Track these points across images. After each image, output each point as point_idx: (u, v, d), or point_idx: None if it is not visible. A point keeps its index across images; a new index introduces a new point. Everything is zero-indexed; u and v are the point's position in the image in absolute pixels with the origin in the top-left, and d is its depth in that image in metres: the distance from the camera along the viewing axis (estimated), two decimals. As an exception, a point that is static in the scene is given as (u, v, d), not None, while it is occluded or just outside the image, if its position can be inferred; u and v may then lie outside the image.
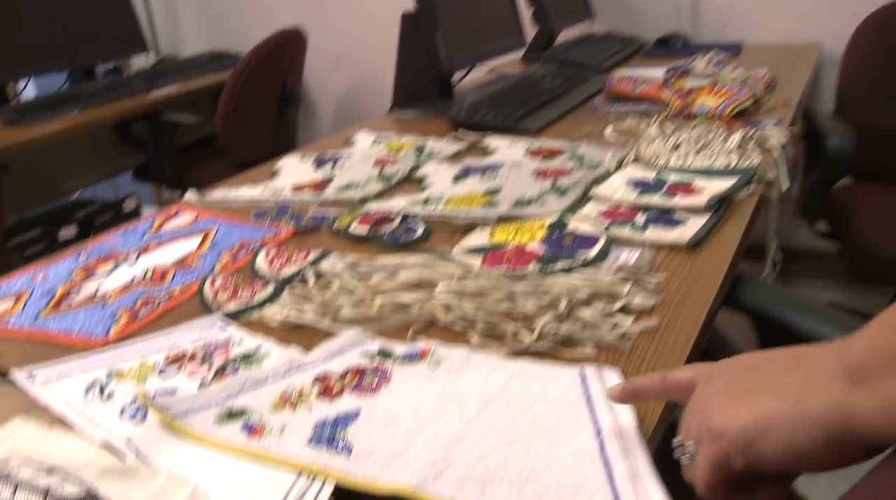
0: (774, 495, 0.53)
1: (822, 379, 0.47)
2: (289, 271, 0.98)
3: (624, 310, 0.82)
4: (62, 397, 0.75)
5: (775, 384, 0.50)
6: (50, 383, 0.78)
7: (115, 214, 2.68)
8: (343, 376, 0.74)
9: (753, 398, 0.50)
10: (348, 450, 0.63)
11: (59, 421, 0.72)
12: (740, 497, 0.53)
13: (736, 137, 1.38)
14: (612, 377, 0.69)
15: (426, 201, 1.22)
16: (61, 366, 0.81)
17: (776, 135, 1.40)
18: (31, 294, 1.02)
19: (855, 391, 0.45)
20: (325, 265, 0.98)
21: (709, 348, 1.11)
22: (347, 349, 0.79)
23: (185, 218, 1.27)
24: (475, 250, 1.00)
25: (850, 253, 2.22)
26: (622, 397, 0.63)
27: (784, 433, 0.47)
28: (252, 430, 0.66)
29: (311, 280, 0.95)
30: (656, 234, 1.00)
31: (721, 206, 1.08)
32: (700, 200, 1.07)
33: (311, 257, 1.00)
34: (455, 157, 1.48)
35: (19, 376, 0.79)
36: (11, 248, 2.26)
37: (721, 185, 1.13)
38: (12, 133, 2.31)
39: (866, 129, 2.08)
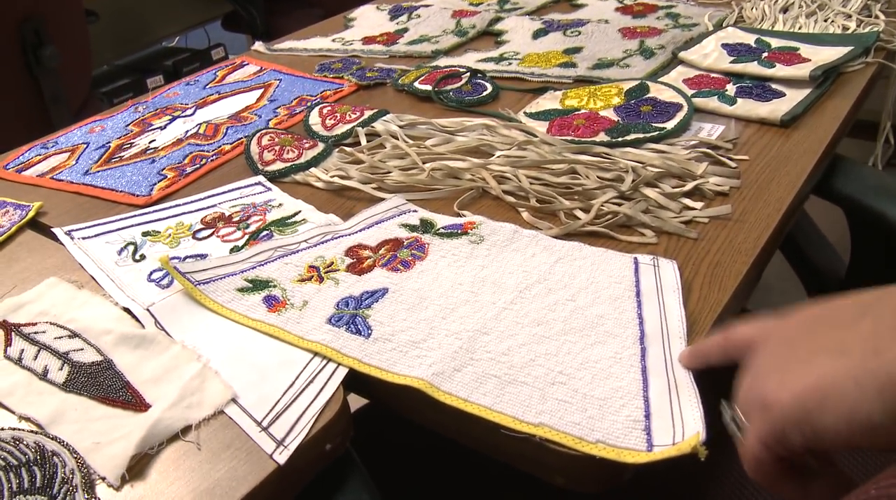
0: (833, 487, 0.43)
1: None
2: (341, 129, 0.92)
3: (696, 192, 0.74)
4: (96, 256, 0.74)
5: (840, 339, 0.40)
6: (87, 240, 0.76)
7: (202, 63, 2.65)
8: (377, 248, 0.69)
9: (812, 360, 0.40)
10: (367, 332, 0.59)
11: (90, 281, 0.71)
12: (792, 486, 0.43)
13: (859, -2, 1.21)
14: (668, 270, 0.62)
15: (500, 58, 1.13)
16: (100, 224, 0.79)
17: (909, -4, 1.22)
18: (87, 147, 1.00)
19: None
20: (380, 125, 0.91)
21: (796, 236, 1.01)
22: (387, 218, 0.73)
23: (249, 70, 1.22)
24: (543, 115, 0.92)
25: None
26: (690, 362, 0.52)
27: (848, 400, 0.37)
28: (273, 303, 0.63)
29: (363, 140, 0.89)
30: (747, 107, 0.89)
31: (828, 78, 0.95)
32: (803, 70, 0.94)
33: (366, 115, 0.94)
34: (540, 10, 1.37)
35: (59, 232, 0.78)
36: (101, 96, 2.28)
37: (831, 53, 0.99)
38: (98, -24, 2.27)
39: None
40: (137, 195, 0.85)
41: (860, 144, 1.23)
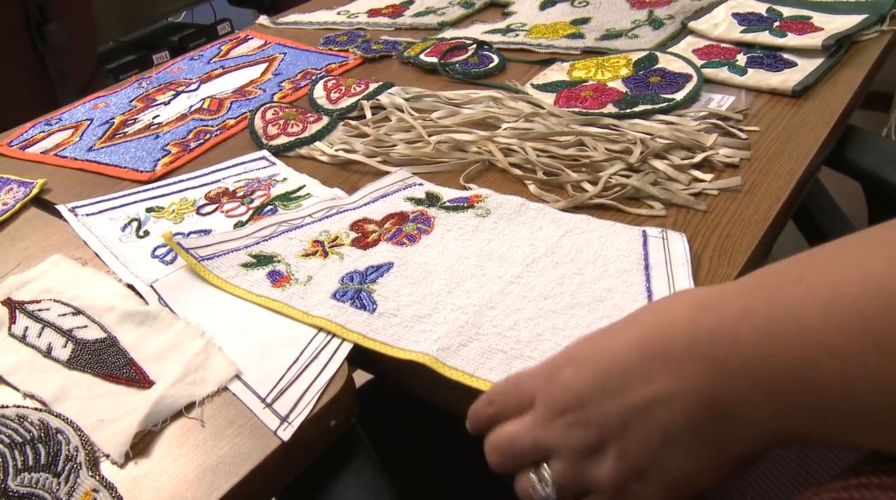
0: None
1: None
2: (346, 103, 0.91)
3: (706, 163, 0.73)
4: (100, 233, 0.73)
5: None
6: (91, 217, 0.76)
7: (208, 38, 2.64)
8: (382, 222, 0.68)
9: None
10: (372, 307, 0.58)
11: (94, 258, 0.70)
12: None
13: (873, -35, 1.18)
14: (678, 242, 0.61)
15: (507, 30, 1.11)
16: (104, 200, 0.79)
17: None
18: (91, 124, 0.99)
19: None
20: (385, 98, 0.90)
21: (811, 209, 1.00)
22: (393, 192, 0.72)
23: (253, 44, 1.20)
24: (550, 86, 0.91)
25: None
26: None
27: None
28: (277, 278, 0.62)
29: (368, 113, 0.88)
30: (758, 77, 0.87)
31: (840, 47, 0.93)
32: (816, 39, 0.92)
33: (371, 88, 0.93)
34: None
35: (63, 209, 0.78)
36: (107, 73, 2.26)
37: (845, 22, 0.97)
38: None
39: None
40: (141, 171, 0.84)
41: (873, 116, 1.21)
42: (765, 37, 0.95)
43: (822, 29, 0.96)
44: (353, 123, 0.86)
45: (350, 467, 0.55)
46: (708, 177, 0.70)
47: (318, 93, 0.94)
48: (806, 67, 0.88)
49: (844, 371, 0.31)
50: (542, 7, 1.19)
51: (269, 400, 0.52)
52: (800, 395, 0.33)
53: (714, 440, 0.36)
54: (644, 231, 0.63)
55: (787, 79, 0.85)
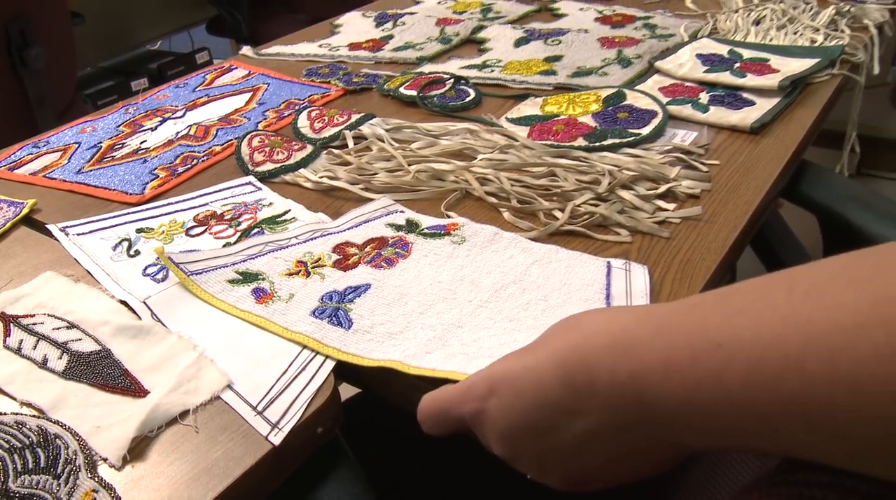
0: None
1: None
2: (329, 132, 0.95)
3: (669, 194, 0.78)
4: (91, 251, 0.76)
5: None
6: (82, 236, 0.79)
7: (187, 66, 2.68)
8: (363, 246, 0.72)
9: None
10: (348, 325, 0.62)
11: (86, 275, 0.73)
12: None
13: (827, 13, 1.26)
14: (639, 274, 0.65)
15: (483, 65, 1.17)
16: (94, 221, 0.82)
17: (875, 12, 1.27)
18: (78, 147, 1.02)
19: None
20: (366, 128, 0.94)
21: (771, 240, 1.05)
22: (375, 218, 0.76)
23: (237, 73, 1.24)
24: (524, 120, 0.95)
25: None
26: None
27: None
28: (261, 295, 0.66)
29: (350, 143, 0.92)
30: (719, 114, 0.93)
31: (795, 88, 0.99)
32: (772, 80, 0.98)
33: (353, 119, 0.97)
34: (522, 20, 1.41)
35: (54, 228, 0.80)
36: (85, 98, 2.29)
37: (800, 65, 1.04)
38: (85, -22, 2.29)
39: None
40: (130, 194, 0.87)
41: (827, 153, 1.27)
42: (726, 77, 1.01)
43: (779, 71, 1.02)
44: (336, 151, 0.90)
45: (332, 474, 0.58)
46: (671, 206, 0.75)
47: (303, 122, 0.98)
48: (763, 106, 0.94)
49: (774, 434, 0.34)
50: (517, 44, 1.24)
51: (259, 408, 0.55)
52: (731, 442, 0.38)
53: (646, 450, 0.42)
54: (609, 262, 0.67)
55: (745, 116, 0.91)
